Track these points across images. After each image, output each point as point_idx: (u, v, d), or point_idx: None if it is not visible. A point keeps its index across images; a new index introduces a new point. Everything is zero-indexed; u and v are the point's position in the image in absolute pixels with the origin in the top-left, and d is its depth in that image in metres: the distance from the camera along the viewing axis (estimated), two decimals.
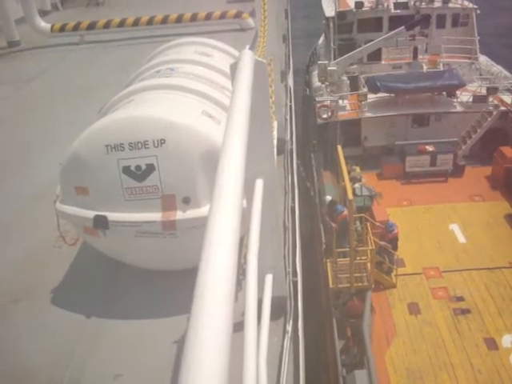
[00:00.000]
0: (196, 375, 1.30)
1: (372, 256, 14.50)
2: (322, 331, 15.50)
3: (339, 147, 16.26)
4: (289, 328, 4.48)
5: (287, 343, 4.33)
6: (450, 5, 25.91)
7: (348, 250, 14.26)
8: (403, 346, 13.55)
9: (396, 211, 18.70)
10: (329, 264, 15.41)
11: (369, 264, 14.72)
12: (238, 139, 2.39)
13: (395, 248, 15.77)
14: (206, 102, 5.44)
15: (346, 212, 15.11)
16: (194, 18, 15.58)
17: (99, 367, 4.63)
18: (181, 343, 4.57)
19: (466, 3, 25.70)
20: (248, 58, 3.60)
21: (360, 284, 14.64)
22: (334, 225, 15.39)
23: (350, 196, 13.51)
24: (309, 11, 43.75)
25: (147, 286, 5.43)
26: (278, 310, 4.60)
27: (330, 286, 14.86)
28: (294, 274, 5.29)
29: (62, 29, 16.41)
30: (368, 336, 12.93)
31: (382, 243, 15.35)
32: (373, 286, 14.72)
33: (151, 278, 5.42)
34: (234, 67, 3.58)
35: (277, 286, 4.29)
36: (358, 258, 14.66)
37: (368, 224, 15.32)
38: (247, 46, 4.16)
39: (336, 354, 13.34)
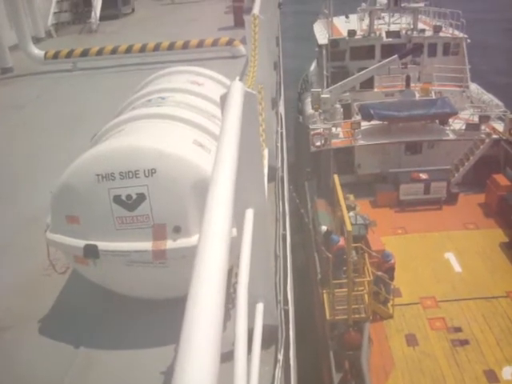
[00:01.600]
0: None
1: (370, 287, 14.50)
2: (317, 363, 15.39)
3: (335, 176, 16.35)
4: (280, 357, 4.50)
5: (278, 372, 4.35)
6: (441, 34, 26.48)
7: (345, 281, 14.22)
8: (402, 379, 13.45)
9: (391, 240, 18.79)
10: (325, 295, 15.37)
11: (366, 295, 14.70)
12: (227, 170, 2.44)
13: (392, 278, 15.79)
14: (196, 132, 5.54)
15: (341, 242, 15.14)
16: (185, 45, 15.82)
17: None
18: (169, 374, 4.59)
19: (457, 33, 26.27)
20: (238, 89, 3.67)
21: (357, 316, 14.61)
22: (330, 255, 15.37)
23: (349, 227, 13.51)
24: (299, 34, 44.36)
25: (136, 315, 5.43)
26: (270, 338, 4.62)
27: (327, 317, 14.80)
28: (286, 302, 5.32)
29: (56, 56, 16.59)
30: (367, 370, 12.85)
31: (379, 273, 15.37)
32: (370, 318, 14.69)
33: (141, 308, 5.43)
34: (223, 98, 3.67)
35: (268, 314, 4.33)
36: (355, 289, 14.64)
37: (366, 254, 15.36)
38: (237, 77, 4.28)
39: None
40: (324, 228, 16.94)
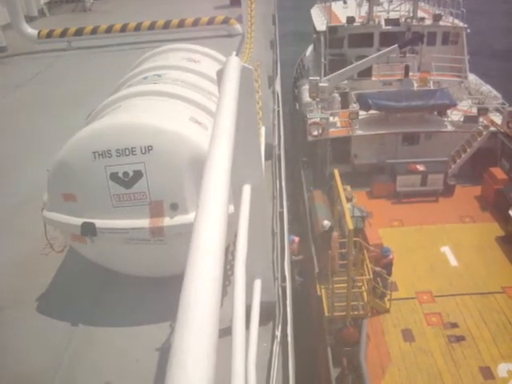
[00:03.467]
0: (181, 381, 1.33)
1: (369, 285, 14.60)
2: (314, 357, 15.48)
3: (336, 171, 16.31)
4: (278, 333, 4.60)
5: (276, 348, 4.44)
6: (441, 23, 26.52)
7: (345, 278, 14.27)
8: (398, 375, 13.56)
9: (387, 232, 18.90)
10: (323, 291, 15.46)
11: (365, 293, 14.81)
12: (224, 145, 2.48)
13: (390, 273, 15.91)
14: (193, 109, 5.61)
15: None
16: (181, 24, 15.93)
17: (88, 375, 4.72)
18: (167, 350, 4.68)
19: (457, 22, 26.32)
20: (234, 64, 3.73)
21: (356, 313, 14.73)
22: (330, 252, 15.37)
23: (350, 226, 13.52)
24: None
25: (134, 292, 5.54)
26: (267, 315, 4.73)
27: (326, 314, 14.90)
28: (283, 279, 5.42)
29: (49, 35, 16.64)
30: (365, 366, 12.97)
31: (377, 269, 15.47)
32: (369, 315, 14.81)
33: (138, 285, 5.54)
34: (220, 73, 3.72)
35: (265, 291, 4.41)
36: (354, 286, 14.72)
37: (365, 251, 15.43)
38: (234, 53, 4.34)
39: (331, 382, 13.37)
40: (327, 223, 16.86)
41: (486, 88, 25.17)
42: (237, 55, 4.01)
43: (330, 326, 14.88)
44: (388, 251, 16.01)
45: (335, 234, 15.48)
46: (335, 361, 13.97)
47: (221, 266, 1.74)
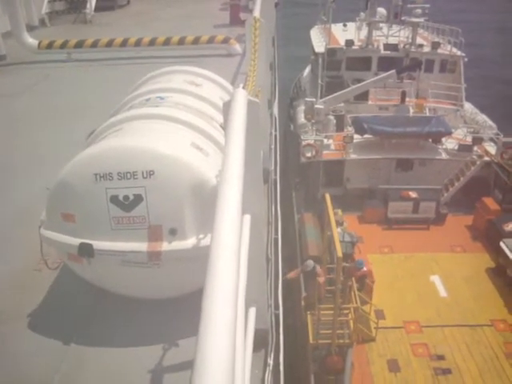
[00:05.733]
0: None
1: (356, 314, 14.66)
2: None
3: (327, 195, 16.45)
4: (270, 361, 4.72)
5: (268, 377, 4.57)
6: (439, 51, 26.94)
7: (331, 306, 14.28)
8: None
9: (377, 258, 19.00)
10: (309, 317, 15.49)
11: (351, 321, 14.87)
12: (235, 181, 2.66)
13: (362, 287, 15.96)
14: (194, 134, 5.80)
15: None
16: (181, 41, 16.25)
17: None
18: (159, 372, 4.82)
19: (455, 50, 26.79)
20: (241, 97, 3.92)
21: (341, 341, 14.75)
22: (318, 279, 15.28)
23: (340, 253, 13.57)
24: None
25: (127, 313, 5.66)
26: (260, 342, 4.86)
27: (311, 341, 14.89)
28: (276, 306, 5.56)
29: (50, 46, 16.88)
30: None
31: (349, 283, 15.44)
32: (355, 344, 14.85)
33: (132, 306, 5.66)
34: (227, 106, 3.90)
35: (259, 318, 4.56)
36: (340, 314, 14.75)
37: (353, 278, 15.50)
38: (240, 85, 4.52)
39: None
40: (311, 263, 16.93)
41: (482, 117, 25.53)
42: (235, 78, 4.14)
43: (314, 354, 14.87)
44: (361, 264, 16.08)
45: (319, 269, 15.54)
46: None
47: (234, 297, 1.91)
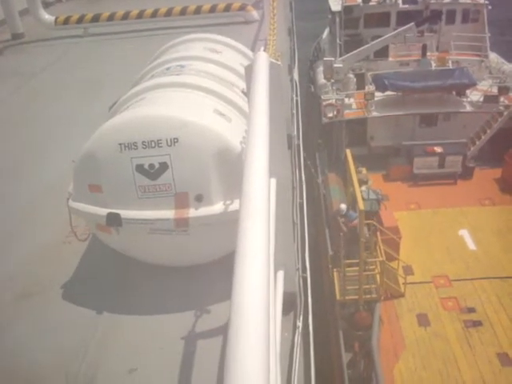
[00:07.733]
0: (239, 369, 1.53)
1: (382, 268, 14.63)
2: (326, 341, 15.60)
3: (348, 151, 16.33)
4: (299, 323, 4.77)
5: (298, 339, 4.61)
6: (461, 0, 26.18)
7: (357, 261, 14.30)
8: (412, 360, 13.43)
9: (403, 215, 18.85)
10: (336, 274, 15.51)
11: (378, 276, 14.86)
12: (261, 145, 2.64)
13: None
14: (217, 101, 5.76)
15: (357, 221, 15.22)
16: (198, 10, 16.15)
17: (113, 362, 4.94)
18: (189, 338, 4.91)
19: None
20: (263, 61, 3.85)
21: (368, 296, 14.78)
22: (342, 233, 15.33)
23: (361, 206, 13.51)
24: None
25: (157, 281, 5.74)
26: (289, 305, 4.90)
27: (338, 298, 14.93)
28: (304, 269, 5.58)
29: (66, 21, 16.91)
30: (377, 352, 12.97)
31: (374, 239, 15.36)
32: (382, 299, 14.86)
33: (161, 274, 5.74)
34: (249, 69, 3.84)
35: (287, 281, 4.59)
36: (366, 269, 14.74)
37: (378, 232, 15.42)
38: (262, 48, 4.46)
39: (343, 367, 13.46)
40: (344, 207, 16.88)
41: (508, 67, 24.76)
42: (254, 44, 4.09)
43: (342, 311, 14.95)
44: (353, 215, 15.97)
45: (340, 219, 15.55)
46: (347, 345, 14.04)
47: (267, 263, 1.91)
